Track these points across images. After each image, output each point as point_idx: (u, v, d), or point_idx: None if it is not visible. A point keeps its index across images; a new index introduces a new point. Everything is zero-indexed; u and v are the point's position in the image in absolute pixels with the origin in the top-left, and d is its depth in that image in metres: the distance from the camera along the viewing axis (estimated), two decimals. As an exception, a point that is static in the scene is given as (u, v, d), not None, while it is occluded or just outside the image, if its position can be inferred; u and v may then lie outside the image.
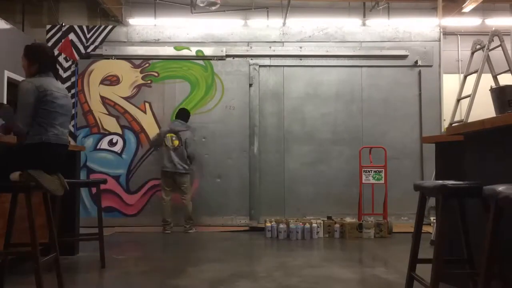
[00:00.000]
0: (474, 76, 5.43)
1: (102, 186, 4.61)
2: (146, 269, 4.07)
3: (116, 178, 6.97)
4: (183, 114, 6.58)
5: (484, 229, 1.92)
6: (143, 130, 7.06)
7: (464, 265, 2.64)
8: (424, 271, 2.73)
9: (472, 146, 2.79)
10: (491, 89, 3.25)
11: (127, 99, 7.11)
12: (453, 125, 3.93)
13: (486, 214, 2.13)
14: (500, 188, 1.67)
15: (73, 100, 7.23)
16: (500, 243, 1.94)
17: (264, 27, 7.88)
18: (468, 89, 5.52)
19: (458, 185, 2.39)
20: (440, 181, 2.52)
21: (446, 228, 2.47)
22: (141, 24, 7.86)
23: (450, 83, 7.86)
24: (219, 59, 7.27)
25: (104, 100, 7.11)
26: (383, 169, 6.27)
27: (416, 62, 7.32)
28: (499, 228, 1.81)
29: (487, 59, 5.42)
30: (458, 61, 8.58)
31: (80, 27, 7.39)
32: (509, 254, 2.25)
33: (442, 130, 7.01)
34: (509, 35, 7.52)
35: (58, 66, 7.16)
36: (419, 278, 2.62)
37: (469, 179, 2.66)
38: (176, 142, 6.31)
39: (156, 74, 7.16)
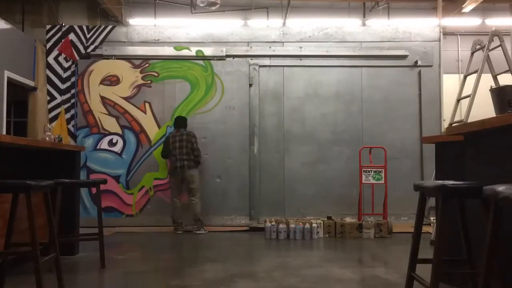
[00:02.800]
0: (474, 76, 5.43)
1: (102, 186, 4.62)
2: (146, 269, 4.07)
3: (116, 178, 6.97)
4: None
5: (484, 229, 1.92)
6: (143, 130, 7.06)
7: (464, 265, 2.64)
8: (424, 271, 2.73)
9: (472, 146, 2.78)
10: (491, 89, 3.25)
11: (127, 99, 7.11)
12: (453, 125, 3.93)
13: (486, 214, 2.13)
14: (500, 188, 1.67)
15: (73, 100, 7.25)
16: (500, 243, 1.94)
17: (264, 27, 7.88)
18: (468, 89, 5.52)
19: (458, 185, 2.39)
20: (440, 181, 2.52)
21: (446, 228, 2.47)
22: (141, 24, 7.86)
23: (450, 83, 7.86)
24: (219, 59, 7.26)
25: (104, 100, 7.11)
26: (383, 169, 6.27)
27: (416, 62, 7.32)
28: (499, 228, 1.81)
29: (487, 59, 5.42)
30: (458, 61, 8.58)
31: (80, 27, 7.39)
32: (509, 254, 2.25)
33: (442, 130, 7.01)
34: (509, 35, 7.53)
35: (57, 66, 7.29)
36: (419, 278, 2.62)
37: (469, 179, 2.66)
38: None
39: (156, 74, 7.16)
